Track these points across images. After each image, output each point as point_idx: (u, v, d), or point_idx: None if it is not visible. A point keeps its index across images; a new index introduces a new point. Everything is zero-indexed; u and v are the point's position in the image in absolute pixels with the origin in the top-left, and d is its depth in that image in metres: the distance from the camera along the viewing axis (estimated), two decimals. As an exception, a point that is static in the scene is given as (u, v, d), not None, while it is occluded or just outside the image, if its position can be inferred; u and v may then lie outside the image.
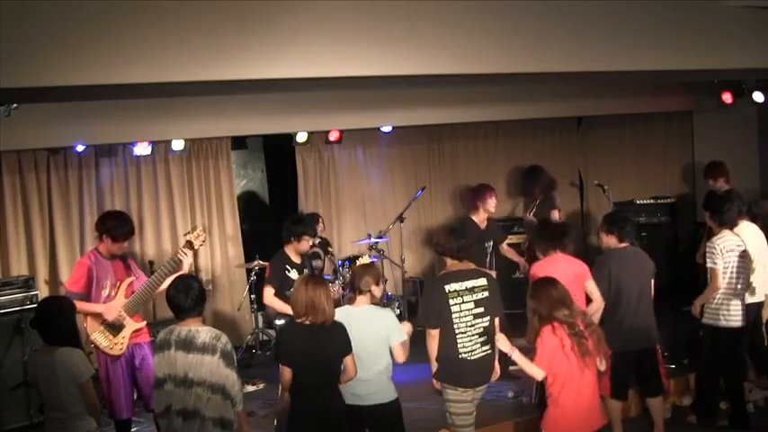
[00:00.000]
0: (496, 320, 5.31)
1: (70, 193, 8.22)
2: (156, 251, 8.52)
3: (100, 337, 5.81)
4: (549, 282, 4.87)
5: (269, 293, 6.41)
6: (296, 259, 6.60)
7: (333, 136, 9.20)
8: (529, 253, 8.58)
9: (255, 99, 7.46)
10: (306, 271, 6.59)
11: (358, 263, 6.78)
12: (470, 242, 5.63)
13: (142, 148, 8.17)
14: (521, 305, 5.50)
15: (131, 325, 5.90)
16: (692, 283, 6.41)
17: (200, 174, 8.89)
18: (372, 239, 9.10)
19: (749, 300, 6.50)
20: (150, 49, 4.35)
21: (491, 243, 7.82)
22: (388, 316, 5.08)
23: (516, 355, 4.77)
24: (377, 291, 5.17)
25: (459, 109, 8.82)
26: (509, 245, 8.63)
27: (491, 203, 7.98)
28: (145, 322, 6.12)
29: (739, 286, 6.19)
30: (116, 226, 5.95)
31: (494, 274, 6.76)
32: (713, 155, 8.98)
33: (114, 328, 5.84)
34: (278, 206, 9.81)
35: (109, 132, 7.58)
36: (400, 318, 9.00)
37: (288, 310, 5.56)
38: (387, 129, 9.34)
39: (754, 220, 6.80)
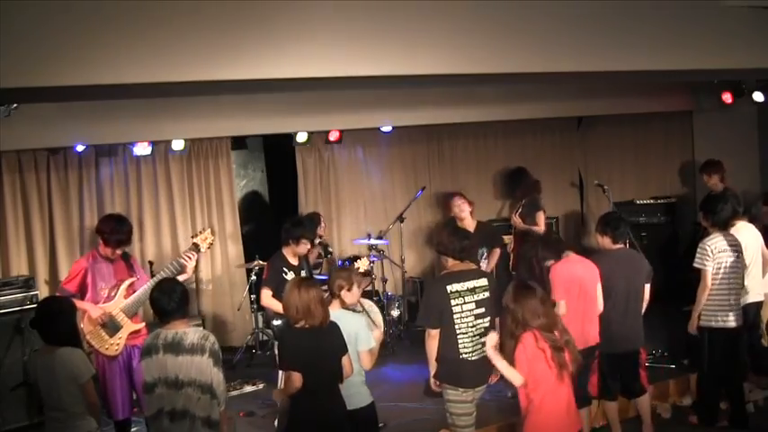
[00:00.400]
0: (496, 321, 5.31)
1: (70, 193, 8.22)
2: (156, 251, 8.52)
3: (94, 338, 5.81)
4: (531, 290, 4.79)
5: (266, 295, 6.41)
6: (293, 261, 6.60)
7: (333, 136, 9.21)
8: (514, 253, 8.60)
9: (255, 99, 7.46)
10: (303, 273, 6.58)
11: (356, 265, 6.79)
12: (473, 243, 5.63)
13: (142, 148, 8.16)
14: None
15: (129, 326, 5.89)
16: (691, 284, 6.41)
17: (200, 174, 8.89)
18: (372, 239, 9.10)
19: (748, 300, 6.51)
20: (150, 49, 4.35)
21: (484, 249, 7.77)
22: (356, 322, 5.01)
23: (497, 361, 4.75)
24: (347, 296, 5.16)
25: (459, 109, 8.81)
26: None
27: (457, 209, 8.03)
28: (144, 324, 6.09)
29: (733, 287, 6.19)
30: (109, 231, 5.93)
31: None
32: (713, 155, 8.98)
33: (111, 328, 5.83)
34: (278, 206, 9.81)
35: (109, 132, 7.58)
36: (400, 318, 9.02)
37: None
38: (387, 129, 9.34)
39: (753, 220, 6.80)
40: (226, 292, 9.04)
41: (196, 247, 6.04)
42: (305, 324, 4.63)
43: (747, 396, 6.59)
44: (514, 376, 4.70)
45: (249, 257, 8.73)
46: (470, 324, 5.16)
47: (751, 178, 9.76)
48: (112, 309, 5.85)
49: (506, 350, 4.76)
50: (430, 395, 5.74)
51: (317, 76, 4.80)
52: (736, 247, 6.21)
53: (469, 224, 7.90)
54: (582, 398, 5.71)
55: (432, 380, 5.29)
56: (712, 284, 6.14)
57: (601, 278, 5.85)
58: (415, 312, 8.72)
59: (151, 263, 8.01)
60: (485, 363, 5.21)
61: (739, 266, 6.22)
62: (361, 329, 4.98)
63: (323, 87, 6.39)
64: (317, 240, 8.63)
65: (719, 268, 6.14)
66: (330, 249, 8.92)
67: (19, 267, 7.84)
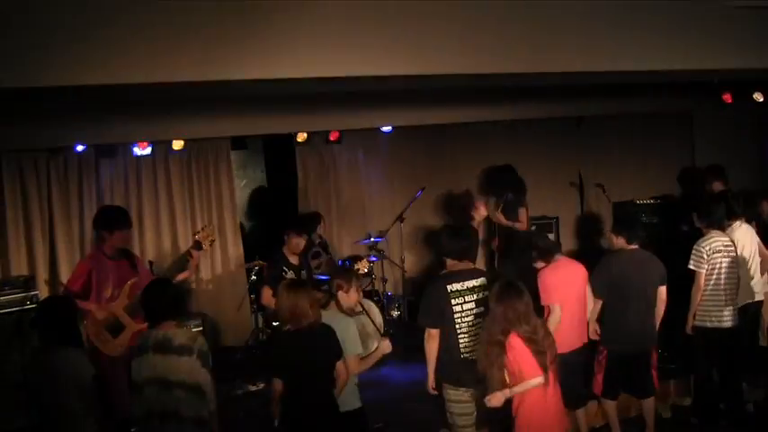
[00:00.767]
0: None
1: (70, 193, 8.22)
2: (156, 251, 8.52)
3: (99, 338, 5.80)
4: (518, 293, 4.77)
5: (266, 294, 6.41)
6: (293, 260, 6.60)
7: (333, 136, 9.21)
8: (499, 251, 8.60)
9: (255, 99, 7.46)
10: (304, 272, 6.58)
11: (356, 266, 6.79)
12: (473, 243, 5.64)
13: (142, 148, 8.17)
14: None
15: (133, 326, 5.88)
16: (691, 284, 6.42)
17: (200, 174, 8.90)
18: (372, 239, 9.10)
19: (748, 299, 6.51)
20: (150, 50, 4.35)
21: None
22: (344, 327, 4.89)
23: (515, 390, 4.74)
24: (343, 298, 5.08)
25: (459, 109, 8.82)
26: None
27: (477, 215, 7.99)
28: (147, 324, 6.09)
29: (728, 287, 6.20)
30: (116, 217, 5.93)
31: None
32: (713, 155, 8.98)
33: (114, 328, 5.83)
34: (278, 206, 9.81)
35: (109, 132, 7.59)
36: (400, 318, 9.01)
37: None
38: (387, 129, 9.34)
39: (752, 219, 6.79)
40: (226, 292, 9.04)
41: (198, 245, 6.04)
42: (292, 327, 4.59)
43: (746, 396, 6.59)
44: (533, 382, 4.69)
45: (249, 257, 8.73)
46: (470, 323, 5.16)
47: (751, 178, 9.76)
48: (116, 309, 5.85)
49: (491, 356, 4.71)
50: (430, 395, 5.75)
51: (316, 76, 4.80)
52: (730, 247, 6.23)
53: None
54: (576, 398, 5.72)
55: (428, 384, 5.28)
56: (706, 285, 6.15)
57: (614, 278, 5.86)
58: (415, 312, 8.71)
59: (151, 262, 8.00)
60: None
61: (734, 267, 6.23)
62: (350, 333, 4.88)
63: (323, 87, 6.39)
64: (317, 240, 8.64)
65: (714, 269, 6.16)
66: (330, 249, 8.92)
67: (19, 267, 7.85)
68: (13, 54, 4.05)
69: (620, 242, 6.02)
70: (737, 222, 6.56)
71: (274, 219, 9.65)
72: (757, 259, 6.56)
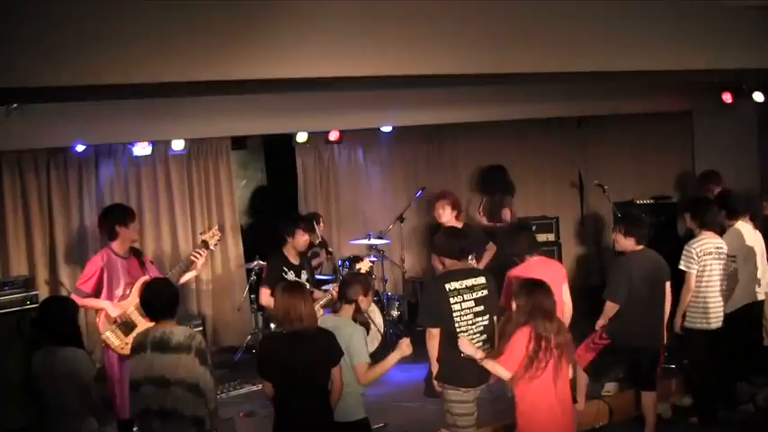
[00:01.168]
0: (495, 318, 5.31)
1: (70, 193, 8.21)
2: (156, 251, 8.51)
3: (111, 336, 5.80)
4: (545, 289, 4.81)
5: (265, 294, 6.39)
6: (294, 260, 6.56)
7: (333, 136, 9.21)
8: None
9: (255, 99, 7.45)
10: (304, 272, 6.54)
11: (357, 267, 6.75)
12: (471, 243, 5.63)
13: (142, 148, 8.16)
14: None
15: (143, 324, 5.88)
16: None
17: (200, 174, 8.89)
18: (372, 239, 9.10)
19: (752, 299, 6.51)
20: (150, 50, 4.36)
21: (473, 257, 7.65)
22: (351, 333, 4.78)
23: (485, 361, 4.84)
24: (364, 302, 5.02)
25: (459, 109, 8.81)
26: None
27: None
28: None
29: (718, 288, 6.20)
30: (121, 211, 5.94)
31: None
32: (713, 155, 8.99)
33: (126, 327, 5.82)
34: (278, 206, 9.80)
35: (109, 132, 7.58)
36: (400, 318, 9.01)
37: None
38: (387, 129, 9.34)
39: (753, 219, 6.79)
40: (226, 292, 9.04)
41: (205, 245, 6.04)
42: (285, 329, 4.51)
43: (746, 396, 6.59)
44: (500, 371, 4.77)
45: (249, 257, 8.72)
46: (470, 322, 5.16)
47: (751, 178, 9.75)
48: (127, 307, 5.85)
49: (504, 330, 4.78)
50: (430, 395, 5.74)
51: (316, 76, 4.80)
52: (721, 249, 6.24)
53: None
54: None
55: (434, 381, 5.28)
56: (697, 286, 6.16)
57: (632, 280, 5.85)
58: (415, 312, 8.70)
59: (152, 262, 7.99)
60: (485, 361, 5.23)
61: (724, 269, 6.24)
62: (354, 341, 4.74)
63: (323, 87, 6.39)
64: (317, 240, 8.64)
65: (704, 271, 6.17)
66: (330, 249, 8.91)
67: (19, 267, 7.84)
68: (14, 54, 4.05)
69: (629, 243, 5.98)
70: (740, 222, 6.55)
71: (274, 219, 9.65)
72: (764, 260, 6.55)
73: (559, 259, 9.57)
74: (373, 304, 8.30)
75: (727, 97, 9.63)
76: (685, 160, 10.93)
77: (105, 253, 5.96)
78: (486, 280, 5.28)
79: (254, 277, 8.43)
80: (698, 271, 6.16)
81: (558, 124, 10.48)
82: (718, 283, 6.23)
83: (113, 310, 5.76)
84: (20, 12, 4.04)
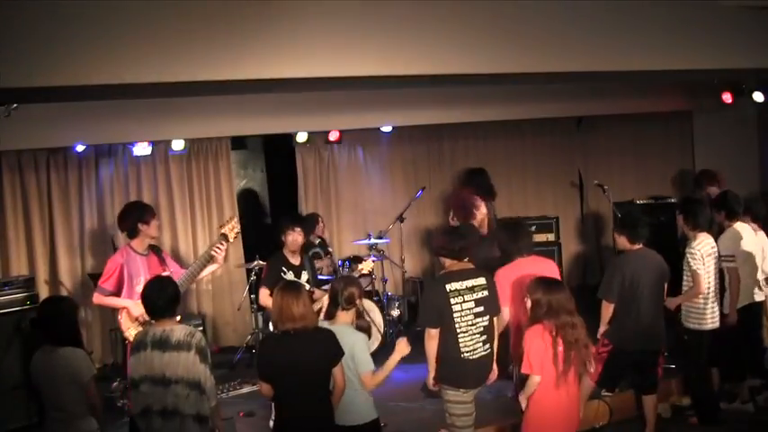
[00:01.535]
0: (494, 319, 5.31)
1: (70, 193, 8.22)
2: (156, 251, 8.52)
3: (132, 334, 5.79)
4: (560, 285, 4.88)
5: (264, 295, 6.34)
6: (293, 261, 6.52)
7: (333, 136, 9.21)
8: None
9: (255, 99, 7.46)
10: (304, 273, 6.51)
11: (360, 267, 6.72)
12: (470, 242, 5.62)
13: (142, 148, 8.17)
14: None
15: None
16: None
17: (200, 174, 8.90)
18: (372, 239, 9.10)
19: (751, 300, 6.51)
20: (150, 49, 4.36)
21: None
22: (353, 341, 4.70)
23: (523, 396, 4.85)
24: (360, 304, 4.95)
25: (459, 109, 8.82)
26: None
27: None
28: (178, 318, 6.04)
29: (712, 290, 6.22)
30: (142, 208, 5.95)
31: None
32: (713, 154, 8.98)
33: (147, 324, 5.81)
34: (278, 206, 9.81)
35: (109, 132, 7.59)
36: (400, 317, 9.01)
37: None
38: (387, 129, 9.35)
39: (756, 220, 6.79)
40: (226, 292, 9.05)
41: (224, 237, 6.01)
42: (281, 329, 4.49)
43: (746, 396, 6.59)
44: (532, 383, 4.76)
45: (249, 257, 8.72)
46: (470, 323, 5.15)
47: (751, 178, 9.76)
48: None
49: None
50: (430, 395, 5.73)
51: (316, 76, 4.80)
52: (715, 250, 6.25)
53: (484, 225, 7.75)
54: None
55: (430, 380, 5.28)
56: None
57: (626, 280, 5.84)
58: (414, 312, 8.71)
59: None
60: (484, 362, 5.23)
61: (717, 270, 6.25)
62: (356, 350, 4.67)
63: (323, 87, 6.39)
64: (317, 240, 8.64)
65: (707, 272, 6.18)
66: (330, 249, 8.91)
67: (19, 267, 7.85)
68: (14, 54, 4.06)
69: (627, 242, 5.97)
70: (739, 223, 6.54)
71: (274, 219, 9.66)
72: (760, 259, 6.55)
73: (559, 259, 9.59)
74: (373, 304, 8.30)
75: (727, 97, 9.62)
76: (685, 160, 10.93)
77: (125, 250, 5.96)
78: (486, 280, 5.28)
79: (254, 277, 8.42)
80: (704, 272, 6.16)
81: (558, 124, 10.48)
82: (714, 283, 6.24)
83: (135, 308, 5.75)
84: (20, 12, 4.04)
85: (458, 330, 5.12)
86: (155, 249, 6.06)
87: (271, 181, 10.04)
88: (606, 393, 6.47)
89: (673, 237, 10.19)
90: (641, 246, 5.98)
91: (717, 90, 9.66)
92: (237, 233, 6.17)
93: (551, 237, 9.74)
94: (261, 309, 7.96)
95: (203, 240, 8.94)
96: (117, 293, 5.82)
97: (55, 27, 4.15)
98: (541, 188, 10.65)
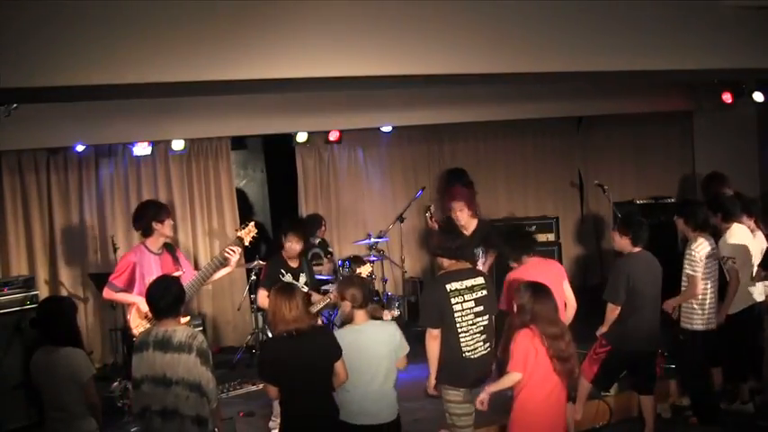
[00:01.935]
0: (493, 318, 5.32)
1: (70, 193, 8.22)
2: (156, 251, 8.52)
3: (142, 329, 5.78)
4: (549, 294, 4.87)
5: (262, 296, 6.33)
6: (293, 263, 6.52)
7: (333, 136, 9.22)
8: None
9: (255, 99, 7.47)
10: (303, 275, 6.50)
11: (358, 271, 6.71)
12: (467, 242, 5.63)
13: (142, 148, 8.17)
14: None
15: (177, 319, 5.84)
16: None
17: (200, 174, 8.90)
18: (372, 239, 9.10)
19: (751, 302, 6.50)
20: (150, 49, 4.36)
21: (479, 249, 7.58)
22: (397, 331, 4.93)
23: (494, 385, 4.92)
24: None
25: (459, 109, 8.82)
26: None
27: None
28: (188, 317, 5.98)
29: (710, 291, 6.23)
30: (157, 208, 5.96)
31: None
32: (713, 154, 8.98)
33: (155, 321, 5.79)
34: (278, 206, 9.81)
35: (109, 132, 7.59)
36: (400, 317, 9.01)
37: None
38: (387, 129, 9.35)
39: (756, 221, 6.78)
40: (226, 292, 9.05)
41: (240, 241, 6.00)
42: (276, 330, 4.54)
43: (746, 396, 6.60)
44: (511, 378, 4.80)
45: (249, 257, 8.72)
46: (471, 322, 5.16)
47: (751, 178, 9.76)
48: None
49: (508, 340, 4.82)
50: (430, 395, 5.73)
51: (316, 76, 4.80)
52: (715, 251, 6.25)
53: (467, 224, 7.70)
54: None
55: (429, 384, 5.28)
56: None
57: (630, 282, 5.84)
58: (415, 312, 8.71)
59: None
60: (484, 361, 5.24)
61: (716, 271, 6.25)
62: (398, 336, 4.90)
63: (323, 87, 6.39)
64: (317, 241, 8.63)
65: (708, 275, 6.18)
66: (330, 249, 8.91)
67: (19, 267, 7.85)
68: (14, 54, 4.06)
69: (626, 244, 5.97)
70: (735, 224, 6.53)
71: (274, 219, 9.66)
72: (758, 260, 6.54)
73: (559, 259, 9.57)
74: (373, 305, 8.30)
75: (727, 97, 9.63)
76: (685, 160, 10.93)
77: (139, 249, 5.96)
78: (485, 280, 5.29)
79: (253, 277, 8.42)
80: (703, 274, 6.16)
81: (558, 124, 10.48)
82: (712, 284, 6.24)
83: (145, 305, 5.75)
84: (20, 12, 4.04)
85: (459, 330, 5.13)
86: (169, 248, 6.06)
87: (271, 181, 10.04)
88: (606, 393, 6.47)
89: (672, 237, 10.20)
90: (641, 248, 5.99)
91: (717, 90, 9.67)
92: (254, 238, 6.16)
93: (551, 237, 9.74)
94: (261, 309, 7.97)
95: (203, 240, 8.95)
96: (127, 290, 5.82)
97: (55, 27, 4.15)
98: (541, 188, 10.65)
